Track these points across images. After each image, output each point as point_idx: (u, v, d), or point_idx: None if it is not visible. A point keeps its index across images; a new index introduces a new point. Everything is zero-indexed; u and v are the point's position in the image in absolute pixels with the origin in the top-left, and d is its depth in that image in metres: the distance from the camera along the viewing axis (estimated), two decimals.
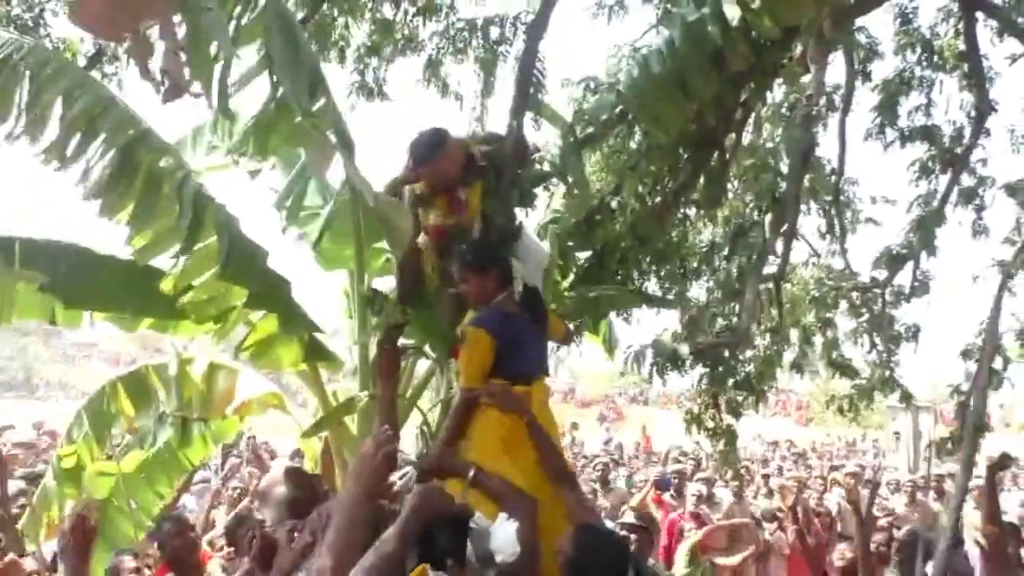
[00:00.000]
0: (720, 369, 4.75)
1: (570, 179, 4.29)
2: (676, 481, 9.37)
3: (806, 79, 4.72)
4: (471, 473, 2.96)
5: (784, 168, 4.31)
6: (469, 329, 3.41)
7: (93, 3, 2.78)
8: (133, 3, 2.71)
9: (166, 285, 3.62)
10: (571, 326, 4.37)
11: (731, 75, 4.43)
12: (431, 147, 3.54)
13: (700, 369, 4.65)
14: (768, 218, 4.18)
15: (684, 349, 3.97)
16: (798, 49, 4.07)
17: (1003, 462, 5.17)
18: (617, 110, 4.10)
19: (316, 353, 4.34)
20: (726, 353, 4.57)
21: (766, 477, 11.36)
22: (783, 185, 4.17)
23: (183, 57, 2.74)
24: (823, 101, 5.83)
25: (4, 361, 44.00)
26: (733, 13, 3.37)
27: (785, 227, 6.26)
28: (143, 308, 4.03)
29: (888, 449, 21.74)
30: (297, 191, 4.60)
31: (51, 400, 35.53)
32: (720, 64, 3.62)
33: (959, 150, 5.72)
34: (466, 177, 3.65)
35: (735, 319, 4.25)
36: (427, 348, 4.31)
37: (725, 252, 4.81)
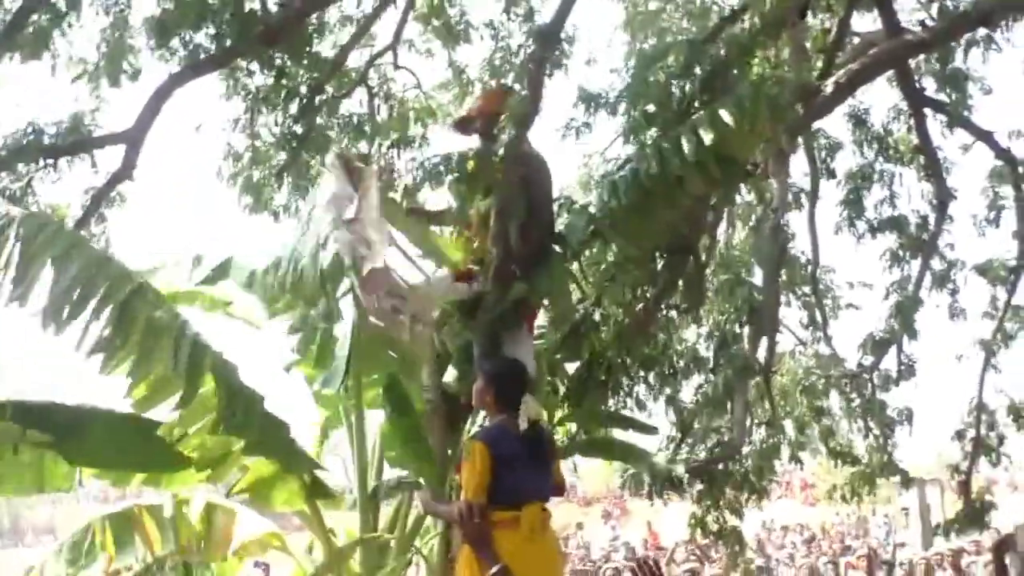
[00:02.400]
0: (716, 484, 4.76)
1: (551, 295, 4.38)
2: None
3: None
4: (497, 568, 3.02)
5: (758, 279, 4.44)
6: (470, 443, 3.45)
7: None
8: None
9: (164, 431, 3.64)
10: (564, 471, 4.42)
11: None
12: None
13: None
14: (747, 331, 4.27)
15: (680, 470, 3.99)
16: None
17: (1008, 542, 5.16)
18: (590, 229, 4.26)
19: (317, 491, 4.32)
20: (720, 467, 4.59)
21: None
22: (760, 296, 4.29)
23: None
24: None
25: None
26: (692, 143, 3.56)
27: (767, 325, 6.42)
28: (138, 461, 4.03)
29: (899, 525, 21.33)
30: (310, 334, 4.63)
31: (40, 545, 34.41)
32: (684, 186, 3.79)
33: (926, 236, 5.91)
34: None
35: (726, 432, 4.29)
36: (422, 479, 4.32)
37: (710, 365, 4.89)
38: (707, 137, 3.51)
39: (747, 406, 4.07)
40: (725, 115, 3.58)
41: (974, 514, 6.66)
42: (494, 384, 3.53)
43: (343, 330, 4.35)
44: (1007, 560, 5.17)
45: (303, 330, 4.44)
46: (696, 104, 4.29)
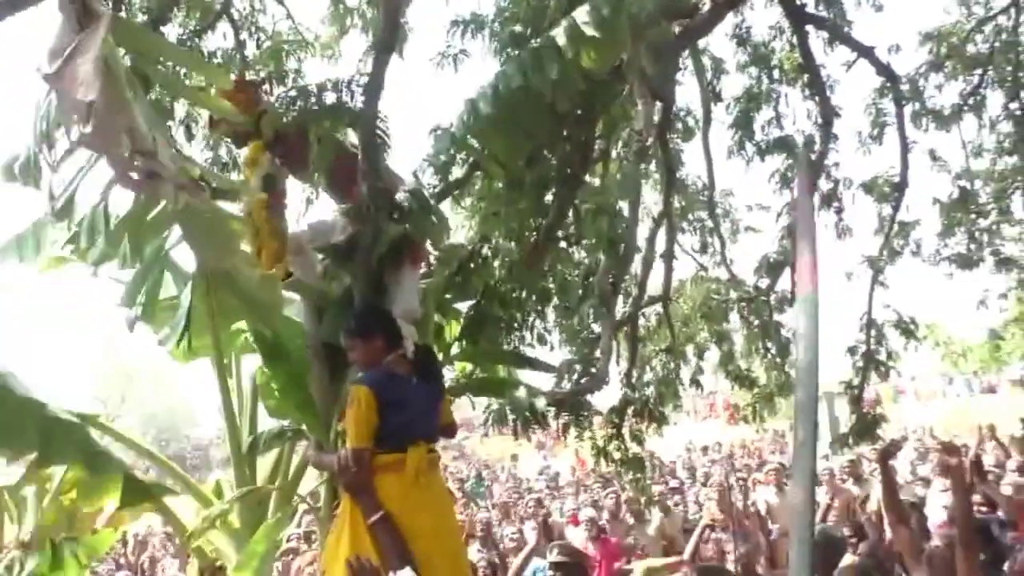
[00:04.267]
0: (584, 415, 4.75)
1: (427, 233, 4.22)
2: (612, 503, 9.31)
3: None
4: (378, 515, 2.97)
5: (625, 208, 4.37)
6: (352, 388, 3.34)
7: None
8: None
9: None
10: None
11: (576, 114, 4.49)
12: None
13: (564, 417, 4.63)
14: (603, 263, 4.20)
15: (541, 402, 3.93)
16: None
17: (890, 449, 5.34)
18: (460, 157, 4.10)
19: (132, 491, 4.06)
20: (588, 398, 4.58)
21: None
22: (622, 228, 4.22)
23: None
24: (680, 126, 5.99)
25: None
26: (553, 57, 3.39)
27: (664, 250, 6.41)
28: None
29: None
30: (150, 284, 4.38)
31: None
32: (551, 104, 3.64)
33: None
34: None
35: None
36: (305, 428, 4.18)
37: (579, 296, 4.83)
38: (568, 50, 3.36)
39: (612, 335, 4.02)
40: (584, 26, 3.42)
41: (866, 427, 6.89)
42: (379, 331, 3.41)
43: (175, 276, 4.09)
44: (890, 464, 5.35)
45: (131, 279, 4.17)
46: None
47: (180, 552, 7.62)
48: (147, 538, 10.34)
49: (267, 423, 4.55)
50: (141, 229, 4.06)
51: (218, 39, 5.60)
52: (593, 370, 4.35)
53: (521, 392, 3.98)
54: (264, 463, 4.51)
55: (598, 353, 4.37)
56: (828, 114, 5.82)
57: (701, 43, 5.94)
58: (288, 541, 6.67)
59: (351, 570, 2.63)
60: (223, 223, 3.96)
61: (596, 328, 5.03)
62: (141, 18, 4.40)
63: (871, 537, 5.89)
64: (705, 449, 20.80)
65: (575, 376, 4.31)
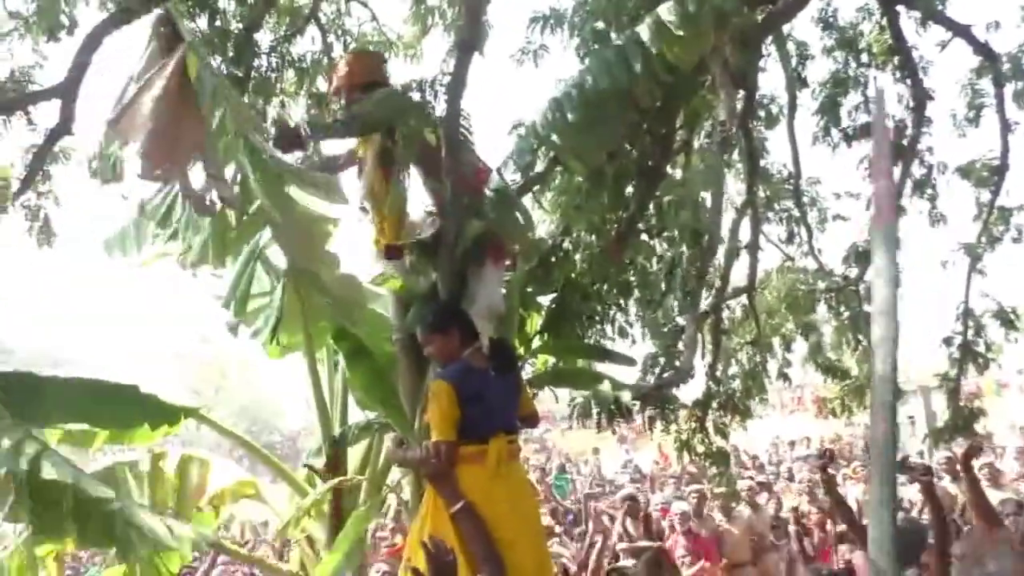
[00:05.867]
0: (670, 408, 4.71)
1: (507, 230, 4.27)
2: (696, 502, 9.20)
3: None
4: (460, 505, 3.09)
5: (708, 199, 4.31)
6: (432, 383, 3.45)
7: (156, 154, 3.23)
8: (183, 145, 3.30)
9: None
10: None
11: (657, 106, 4.45)
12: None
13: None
14: (687, 255, 4.15)
15: (626, 396, 3.93)
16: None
17: (973, 450, 5.15)
18: (541, 152, 4.13)
19: None
20: (673, 391, 4.53)
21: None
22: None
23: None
24: (765, 114, 5.86)
25: None
26: (637, 54, 3.39)
27: (749, 241, 6.29)
28: (94, 423, 4.00)
29: (907, 434, 21.46)
30: (244, 281, 4.57)
31: None
32: (634, 99, 3.64)
33: (904, 141, 5.72)
34: None
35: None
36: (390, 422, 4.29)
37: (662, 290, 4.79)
38: (652, 45, 3.35)
39: (696, 330, 3.98)
40: (669, 23, 3.41)
41: (963, 421, 6.63)
42: (455, 325, 3.51)
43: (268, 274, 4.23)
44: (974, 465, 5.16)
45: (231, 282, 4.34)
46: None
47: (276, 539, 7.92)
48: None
49: (357, 416, 4.70)
50: (236, 229, 4.24)
51: (307, 43, 5.77)
52: (677, 363, 4.32)
53: (606, 385, 3.99)
54: (354, 454, 4.66)
55: (681, 346, 4.33)
56: (920, 97, 5.61)
57: (785, 28, 5.79)
58: (379, 531, 6.87)
59: (426, 551, 2.72)
60: (311, 225, 4.11)
61: (680, 321, 4.98)
62: (235, 25, 4.59)
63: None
64: (792, 444, 20.28)
65: (659, 369, 4.28)
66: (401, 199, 3.85)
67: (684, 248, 4.19)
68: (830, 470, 5.11)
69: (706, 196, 4.44)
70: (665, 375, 4.20)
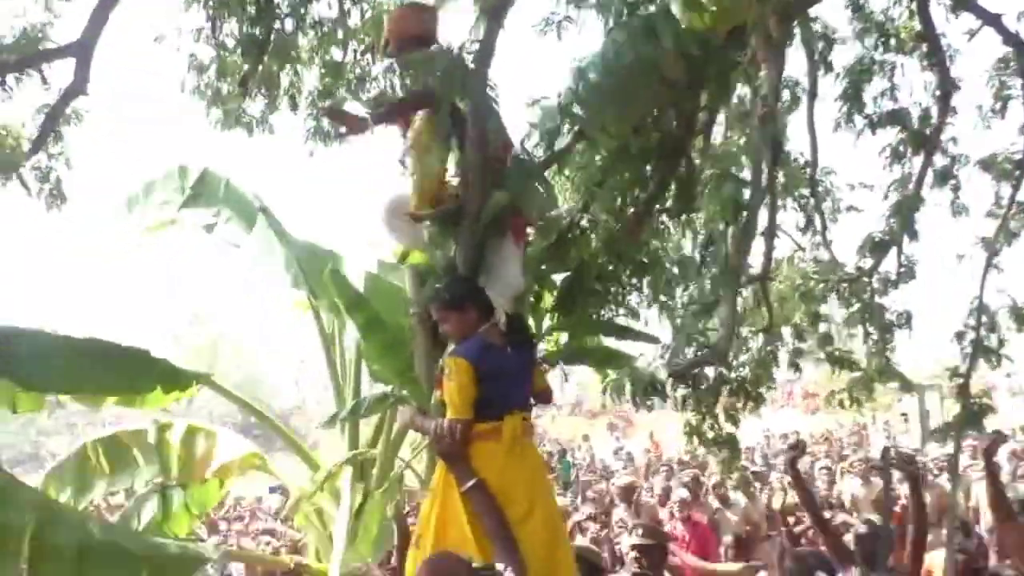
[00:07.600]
0: (703, 387, 4.65)
1: (530, 204, 4.18)
2: (691, 487, 9.20)
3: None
4: (471, 483, 3.13)
5: (748, 174, 4.22)
6: (449, 359, 3.42)
7: None
8: None
9: None
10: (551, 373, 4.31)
11: (685, 80, 4.35)
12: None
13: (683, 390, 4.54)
14: (731, 230, 4.08)
15: (662, 374, 3.87)
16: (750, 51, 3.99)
17: (995, 444, 5.11)
18: (566, 126, 4.05)
19: None
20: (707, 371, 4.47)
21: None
22: (748, 193, 4.07)
23: None
24: (785, 97, 5.77)
25: (11, 436, 43.66)
26: (667, 24, 3.31)
27: (766, 227, 6.19)
28: (105, 385, 3.91)
29: (898, 431, 21.59)
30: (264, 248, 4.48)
31: None
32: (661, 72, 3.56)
33: (928, 131, 5.64)
34: None
35: (712, 335, 4.14)
36: (406, 394, 4.23)
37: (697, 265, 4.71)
38: (682, 17, 3.26)
39: (734, 308, 3.91)
40: None
41: (971, 416, 6.56)
42: (471, 302, 3.48)
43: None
44: (995, 459, 5.12)
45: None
46: None
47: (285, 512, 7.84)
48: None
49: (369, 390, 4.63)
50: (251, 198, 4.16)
51: (323, 8, 5.64)
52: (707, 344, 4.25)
53: (643, 362, 3.94)
54: (365, 429, 4.59)
55: (711, 325, 4.26)
56: (947, 86, 5.53)
57: (811, 11, 5.69)
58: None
59: None
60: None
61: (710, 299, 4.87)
62: None
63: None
64: (785, 437, 20.36)
65: (692, 348, 4.22)
66: (437, 167, 3.77)
67: (722, 226, 4.10)
68: (798, 465, 5.13)
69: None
70: (699, 354, 4.13)
